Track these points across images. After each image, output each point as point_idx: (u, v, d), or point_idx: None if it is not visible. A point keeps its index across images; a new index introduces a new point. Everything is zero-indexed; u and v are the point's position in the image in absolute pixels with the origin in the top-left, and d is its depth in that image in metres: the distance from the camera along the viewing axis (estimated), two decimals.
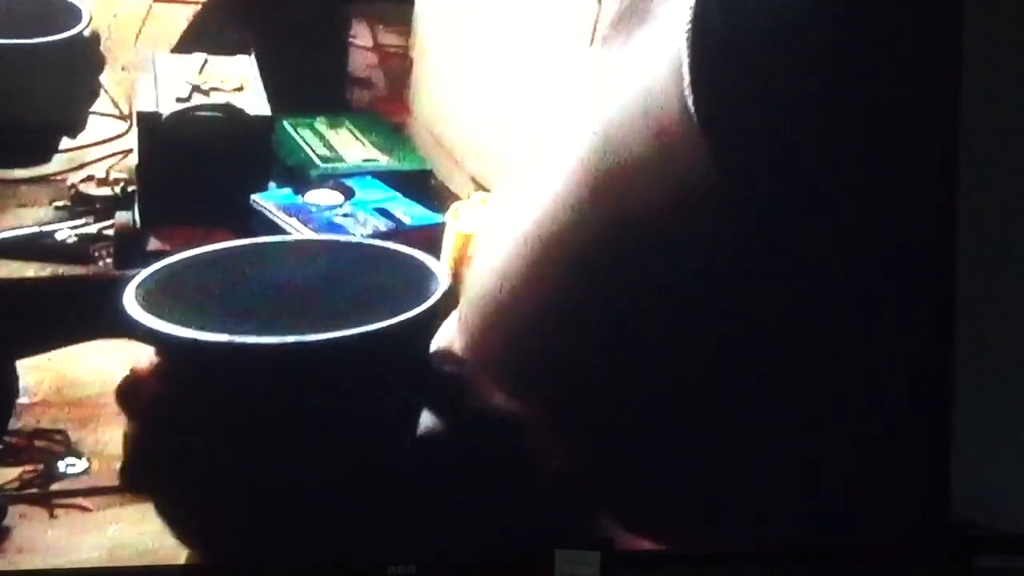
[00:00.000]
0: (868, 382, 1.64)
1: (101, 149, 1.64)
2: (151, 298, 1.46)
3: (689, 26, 1.35)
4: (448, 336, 1.56)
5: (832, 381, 1.62)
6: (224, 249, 1.54)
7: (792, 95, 1.49)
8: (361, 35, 1.70)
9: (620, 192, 1.45)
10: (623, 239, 1.48)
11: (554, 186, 1.51)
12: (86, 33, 1.57)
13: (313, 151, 1.69)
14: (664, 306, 1.55)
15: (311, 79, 1.69)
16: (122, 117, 1.64)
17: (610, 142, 1.45)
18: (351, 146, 1.70)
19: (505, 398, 1.56)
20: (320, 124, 1.71)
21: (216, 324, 1.38)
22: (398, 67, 1.71)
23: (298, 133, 1.70)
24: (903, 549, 1.72)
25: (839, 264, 1.61)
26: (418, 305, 1.45)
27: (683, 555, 1.65)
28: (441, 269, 1.47)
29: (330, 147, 1.70)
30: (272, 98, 1.63)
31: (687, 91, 1.35)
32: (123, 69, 1.61)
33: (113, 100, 1.62)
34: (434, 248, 1.73)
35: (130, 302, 1.45)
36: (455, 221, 1.72)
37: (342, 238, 1.52)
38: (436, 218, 1.71)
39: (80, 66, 1.60)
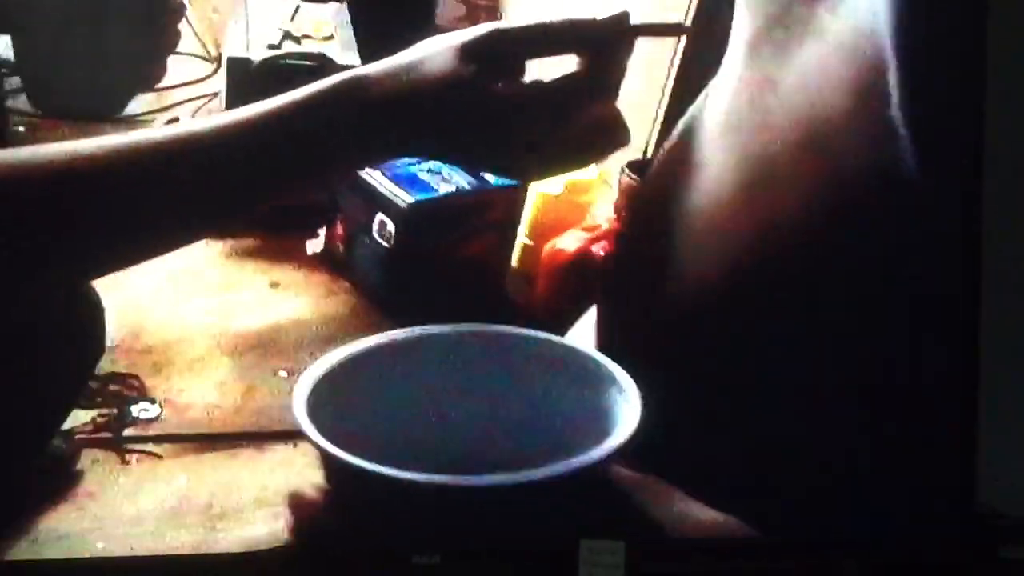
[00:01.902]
0: (895, 372, 1.63)
1: (187, 91, 1.61)
2: (317, 399, 1.37)
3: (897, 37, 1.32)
4: None
5: (859, 371, 1.61)
6: (385, 344, 1.48)
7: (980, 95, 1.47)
8: None
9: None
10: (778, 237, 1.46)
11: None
12: None
13: None
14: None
15: (400, 29, 1.66)
16: (210, 59, 1.61)
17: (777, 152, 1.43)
18: None
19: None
20: None
21: (379, 429, 1.30)
22: (486, 19, 1.68)
23: None
24: (928, 538, 1.71)
25: (874, 257, 1.59)
26: (600, 417, 1.37)
27: (708, 545, 1.64)
28: (624, 376, 1.36)
29: None
30: (361, 47, 1.60)
31: (897, 105, 1.32)
32: (214, 11, 1.58)
33: (201, 41, 1.59)
34: (516, 211, 1.71)
35: (299, 406, 1.37)
36: (540, 182, 1.70)
37: (508, 330, 1.45)
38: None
39: (157, 12, 1.57)
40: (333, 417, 1.26)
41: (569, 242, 1.72)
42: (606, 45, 1.15)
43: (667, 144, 1.59)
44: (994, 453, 1.72)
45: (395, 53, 1.65)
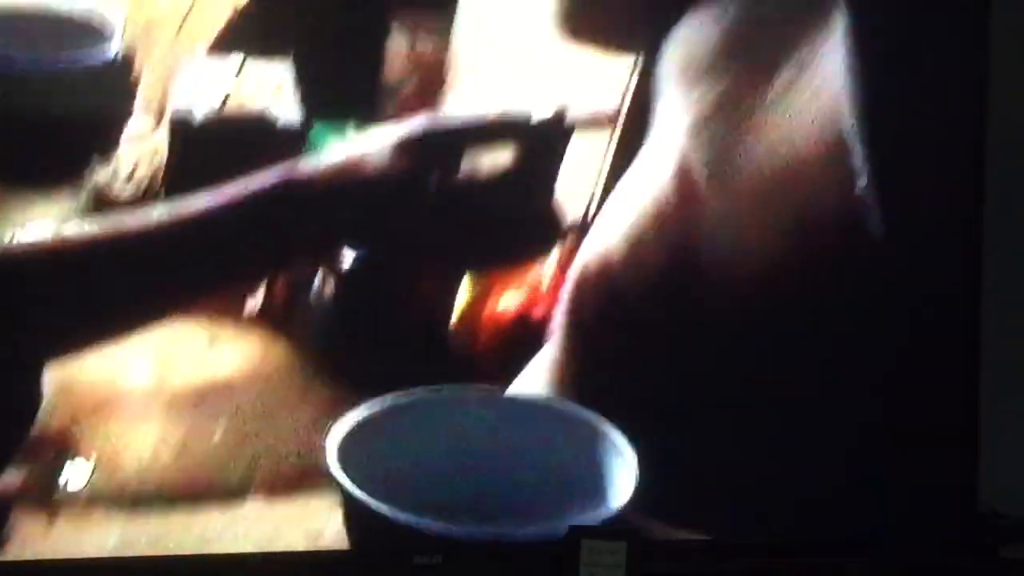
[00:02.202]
0: (897, 374, 1.65)
1: (128, 146, 1.59)
2: (347, 450, 1.40)
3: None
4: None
5: (862, 373, 1.62)
6: (409, 402, 1.49)
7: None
8: (398, 41, 1.66)
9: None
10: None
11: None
12: (120, 55, 1.51)
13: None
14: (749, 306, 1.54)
15: (346, 83, 1.65)
16: (152, 113, 1.59)
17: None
18: None
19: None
20: (351, 129, 1.67)
21: (400, 479, 1.34)
22: (433, 74, 1.67)
23: (328, 137, 1.66)
24: (930, 538, 1.72)
25: (874, 261, 1.60)
26: (599, 474, 1.42)
27: (708, 545, 1.64)
28: (623, 444, 1.43)
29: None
30: (306, 101, 1.59)
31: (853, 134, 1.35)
32: (159, 65, 1.57)
33: (145, 96, 1.58)
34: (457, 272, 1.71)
35: (332, 458, 1.39)
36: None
37: (520, 396, 1.49)
38: None
39: (114, 87, 1.56)
40: (359, 467, 1.30)
41: (511, 300, 1.72)
42: (543, 139, 1.16)
43: (607, 207, 1.60)
44: (994, 455, 1.74)
45: (342, 111, 1.65)
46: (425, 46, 1.65)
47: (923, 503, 1.71)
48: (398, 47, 1.65)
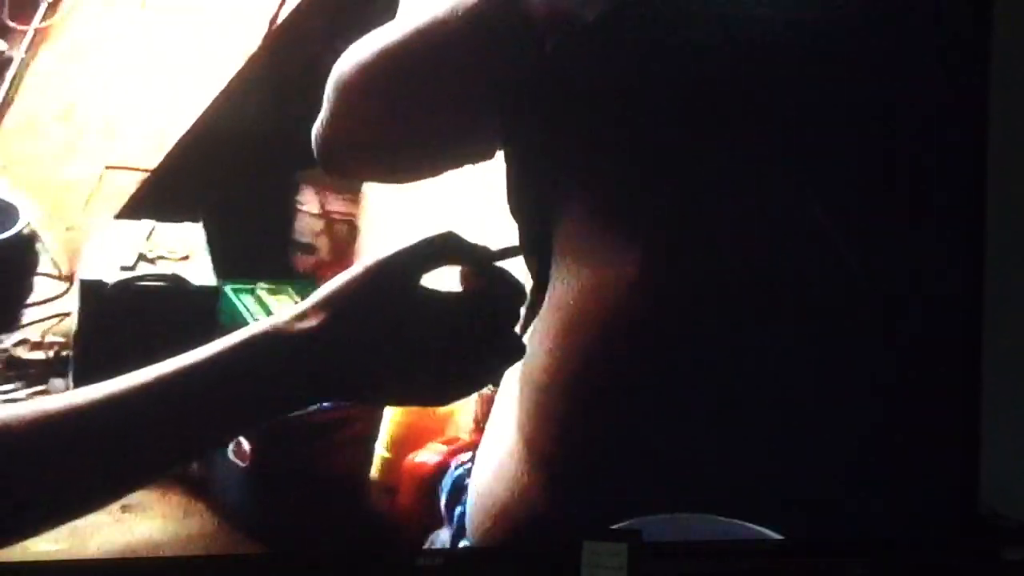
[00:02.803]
0: (897, 375, 1.64)
1: (37, 311, 1.58)
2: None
3: None
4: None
5: (862, 375, 1.62)
6: None
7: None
8: (309, 201, 1.68)
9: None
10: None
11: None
12: (25, 232, 1.52)
13: (253, 318, 1.66)
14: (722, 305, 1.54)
15: (256, 245, 1.66)
16: (61, 278, 1.59)
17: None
18: None
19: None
20: (261, 290, 1.68)
21: None
22: (344, 234, 1.68)
23: (239, 299, 1.66)
24: (931, 540, 1.71)
25: (871, 259, 1.61)
26: None
27: (710, 547, 1.62)
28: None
29: (270, 314, 1.67)
30: (217, 263, 1.60)
31: None
32: (68, 230, 1.57)
33: (53, 261, 1.57)
34: (374, 425, 1.71)
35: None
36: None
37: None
38: None
39: (18, 265, 1.56)
40: None
41: (429, 456, 1.72)
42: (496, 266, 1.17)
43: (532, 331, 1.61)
44: (996, 456, 1.72)
45: (251, 268, 1.66)
46: (335, 205, 1.67)
47: (925, 505, 1.70)
48: (309, 207, 1.67)
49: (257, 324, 1.12)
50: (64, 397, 1.11)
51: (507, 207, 1.56)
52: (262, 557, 1.60)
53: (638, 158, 1.50)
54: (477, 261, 1.17)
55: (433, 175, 1.50)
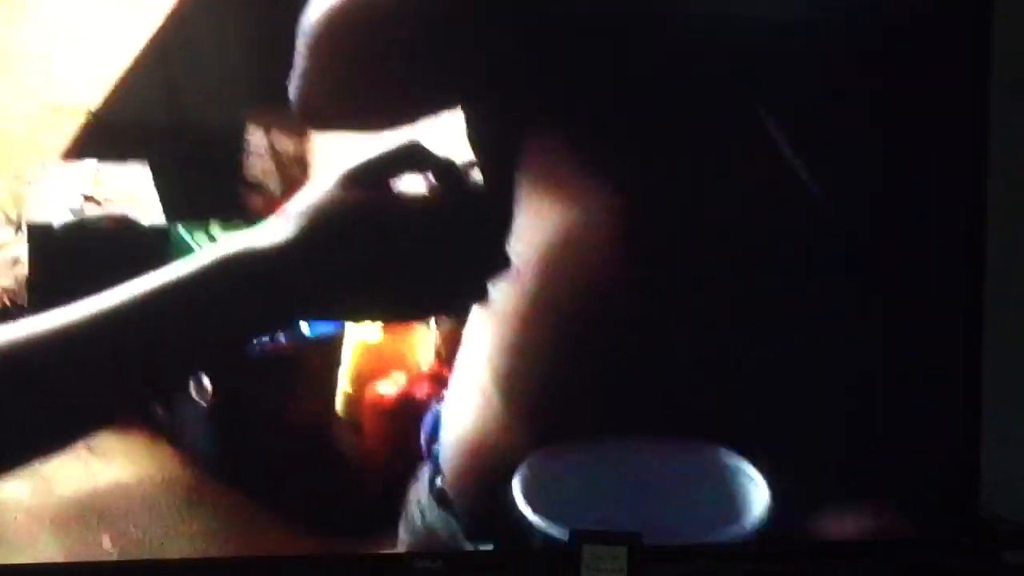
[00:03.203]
0: (896, 376, 1.65)
1: None
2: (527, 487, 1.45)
3: None
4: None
5: (860, 375, 1.62)
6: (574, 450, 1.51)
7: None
8: (257, 140, 1.68)
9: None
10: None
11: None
12: None
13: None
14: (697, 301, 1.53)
15: (206, 184, 1.66)
16: (11, 223, 1.59)
17: None
18: None
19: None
20: (215, 229, 1.68)
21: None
22: (295, 172, 1.68)
23: (193, 238, 1.66)
24: (932, 542, 1.71)
25: (867, 256, 1.61)
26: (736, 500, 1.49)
27: (710, 549, 1.62)
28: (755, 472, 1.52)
29: None
30: (167, 204, 1.60)
31: None
32: (15, 177, 1.57)
33: (2, 208, 1.57)
34: (334, 361, 1.71)
35: (519, 496, 1.42)
36: (355, 329, 1.70)
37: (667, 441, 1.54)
38: (336, 327, 1.69)
39: None
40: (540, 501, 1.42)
41: (389, 387, 1.72)
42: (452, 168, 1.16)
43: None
44: (997, 458, 1.73)
45: (201, 207, 1.66)
46: (284, 143, 1.67)
47: (924, 507, 1.71)
48: (257, 145, 1.67)
49: (226, 244, 1.10)
50: (23, 325, 1.08)
51: (466, 140, 1.55)
52: (266, 562, 1.61)
53: (607, 95, 1.50)
54: (442, 170, 1.16)
55: (413, 122, 1.50)
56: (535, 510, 1.43)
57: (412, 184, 1.14)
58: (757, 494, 1.54)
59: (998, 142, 1.72)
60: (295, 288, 1.09)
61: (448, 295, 1.15)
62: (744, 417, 1.57)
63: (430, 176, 1.16)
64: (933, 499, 1.67)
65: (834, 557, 1.68)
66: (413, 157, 1.16)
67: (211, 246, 1.67)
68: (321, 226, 1.10)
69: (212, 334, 1.08)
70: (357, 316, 1.22)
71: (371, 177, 1.14)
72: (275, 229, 1.09)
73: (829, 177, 1.53)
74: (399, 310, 1.16)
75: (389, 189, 1.14)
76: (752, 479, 1.55)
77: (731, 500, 1.56)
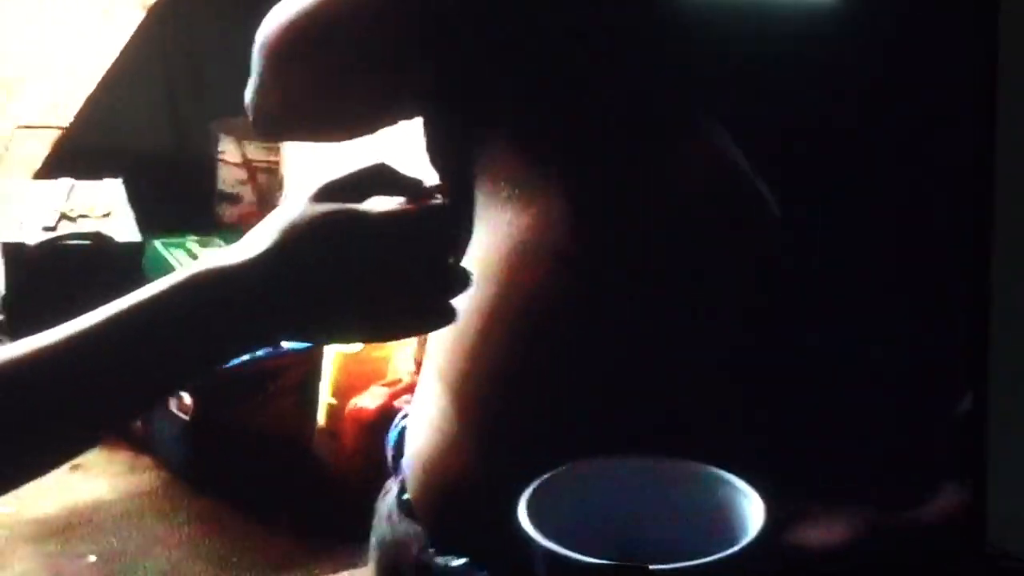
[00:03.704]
0: (901, 408, 1.63)
1: None
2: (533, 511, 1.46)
3: None
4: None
5: (863, 407, 1.61)
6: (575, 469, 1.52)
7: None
8: (229, 151, 1.69)
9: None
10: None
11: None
12: None
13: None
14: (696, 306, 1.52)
15: (181, 198, 1.67)
16: None
17: None
18: None
19: None
20: (191, 243, 1.69)
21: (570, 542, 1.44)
22: (268, 182, 1.70)
23: (170, 253, 1.67)
24: None
25: (867, 269, 1.59)
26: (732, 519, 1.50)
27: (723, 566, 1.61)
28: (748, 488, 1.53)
29: None
30: (142, 220, 1.61)
31: None
32: None
33: None
34: (314, 372, 1.72)
35: (523, 517, 1.42)
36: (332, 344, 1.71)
37: (662, 459, 1.56)
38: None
39: None
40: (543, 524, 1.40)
41: (370, 399, 1.73)
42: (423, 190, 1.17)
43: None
44: (1004, 493, 1.71)
45: (177, 222, 1.67)
46: (256, 153, 1.68)
47: (928, 543, 1.70)
48: (229, 156, 1.68)
49: (197, 264, 1.10)
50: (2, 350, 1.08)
51: (425, 152, 1.56)
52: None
53: (562, 100, 1.50)
54: (410, 192, 1.17)
55: (370, 133, 1.50)
56: (545, 535, 1.43)
57: (380, 203, 1.15)
58: (752, 512, 1.52)
59: (1006, 142, 1.72)
60: (268, 307, 1.09)
61: (416, 315, 1.16)
62: (724, 435, 1.57)
63: (398, 197, 1.17)
64: (937, 535, 1.67)
65: None
66: (382, 176, 1.17)
67: (188, 260, 1.70)
68: (291, 245, 1.10)
69: (188, 354, 1.09)
70: (328, 337, 1.23)
71: (341, 196, 1.15)
72: (246, 247, 1.10)
73: (824, 182, 1.53)
74: (369, 331, 1.17)
75: (358, 208, 1.15)
76: (747, 496, 1.53)
77: (723, 520, 1.55)
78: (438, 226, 1.15)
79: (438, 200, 1.18)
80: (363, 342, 1.52)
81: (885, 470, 1.60)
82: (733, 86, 1.48)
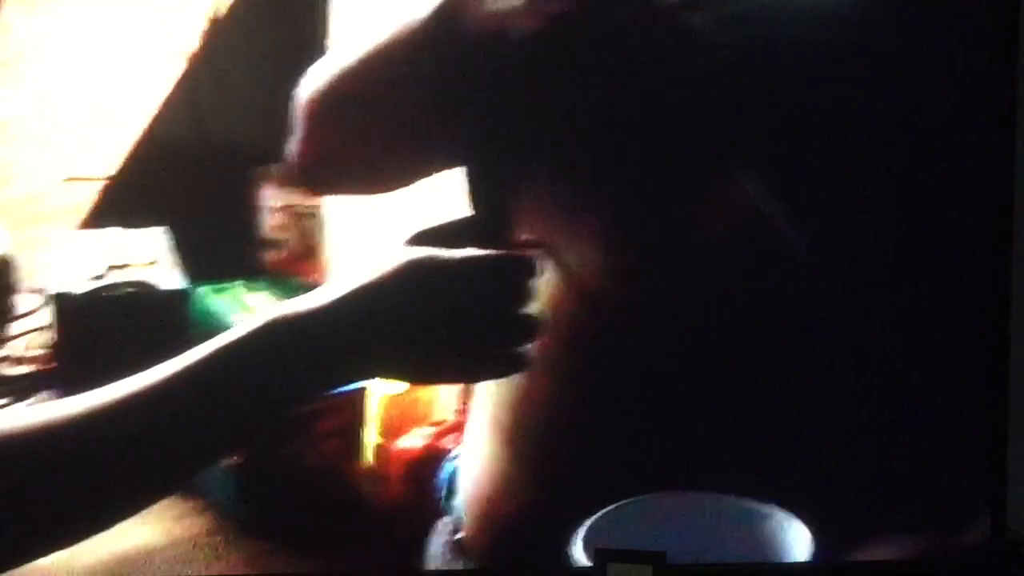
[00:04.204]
0: (922, 395, 1.63)
1: (16, 326, 1.62)
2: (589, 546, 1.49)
3: None
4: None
5: (884, 395, 1.61)
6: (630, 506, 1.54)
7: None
8: (271, 196, 1.71)
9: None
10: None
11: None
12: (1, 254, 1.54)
13: (230, 317, 1.69)
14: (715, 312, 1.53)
15: (226, 245, 1.69)
16: (36, 291, 1.63)
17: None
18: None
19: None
20: (238, 289, 1.71)
21: None
22: (310, 226, 1.71)
23: (217, 299, 1.69)
24: (957, 565, 1.70)
25: (887, 280, 1.60)
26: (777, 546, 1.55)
27: (735, 569, 1.61)
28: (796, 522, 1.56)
29: (249, 312, 1.70)
30: (188, 267, 1.63)
31: None
32: (30, 245, 1.61)
33: (26, 275, 1.61)
34: (359, 413, 1.73)
35: (579, 551, 1.46)
36: (380, 383, 1.72)
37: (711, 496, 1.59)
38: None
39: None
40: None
41: (416, 439, 1.74)
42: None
43: None
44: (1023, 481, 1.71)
45: (221, 270, 1.69)
46: (297, 198, 1.70)
47: (948, 530, 1.70)
48: (271, 201, 1.70)
49: (274, 311, 1.11)
50: (67, 404, 1.07)
51: (467, 200, 1.57)
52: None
53: (589, 156, 1.52)
54: (500, 244, 1.19)
55: (406, 185, 1.54)
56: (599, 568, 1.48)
57: (461, 251, 1.18)
58: (798, 539, 1.55)
59: None
60: (348, 347, 1.11)
61: (484, 361, 1.18)
62: (756, 453, 1.57)
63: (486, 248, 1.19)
64: (957, 522, 1.67)
65: None
66: (475, 227, 1.20)
67: (235, 305, 1.72)
68: (370, 285, 1.12)
69: (271, 396, 1.10)
70: (399, 376, 1.24)
71: (431, 244, 1.17)
72: (326, 291, 1.12)
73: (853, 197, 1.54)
74: (438, 372, 1.20)
75: (438, 253, 1.17)
76: (792, 527, 1.56)
77: (774, 549, 1.57)
78: (512, 275, 1.17)
79: (526, 256, 1.21)
80: (431, 383, 1.55)
81: (910, 464, 1.60)
82: (762, 126, 1.49)
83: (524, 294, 1.21)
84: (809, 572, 1.61)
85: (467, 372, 1.24)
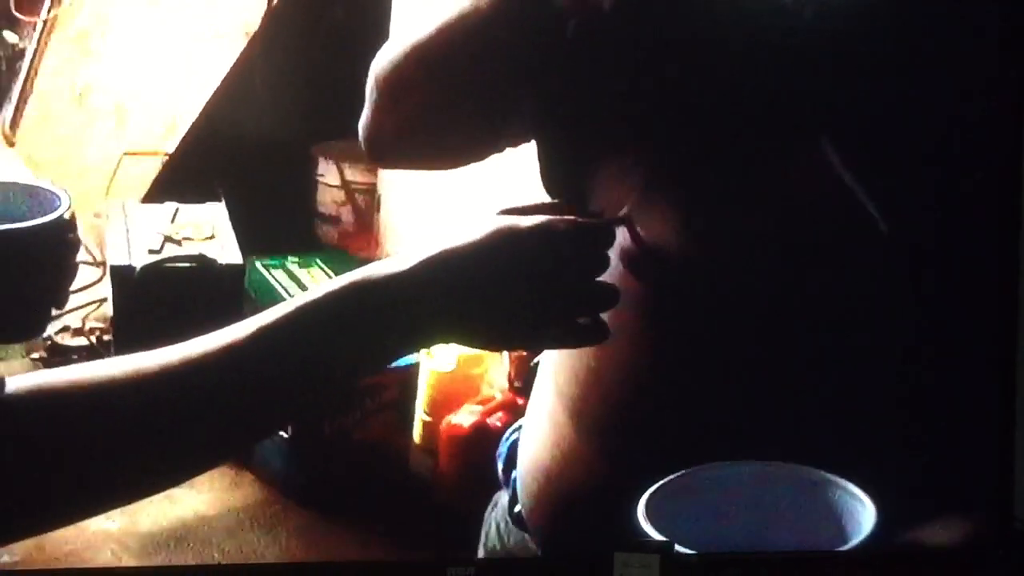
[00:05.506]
0: (929, 387, 1.63)
1: (76, 298, 1.64)
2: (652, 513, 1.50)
3: None
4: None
5: (893, 386, 1.61)
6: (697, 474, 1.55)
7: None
8: (328, 173, 1.72)
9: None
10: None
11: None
12: (67, 215, 1.54)
13: (286, 291, 1.71)
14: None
15: (281, 220, 1.71)
16: (95, 263, 1.65)
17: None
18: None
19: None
20: (292, 264, 1.73)
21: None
22: (366, 203, 1.73)
23: (271, 274, 1.71)
24: (965, 556, 1.70)
25: (900, 272, 1.59)
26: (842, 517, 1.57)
27: (742, 559, 1.62)
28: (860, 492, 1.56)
29: (302, 286, 1.72)
30: (243, 241, 1.64)
31: None
32: (95, 216, 1.62)
33: (86, 247, 1.63)
34: (410, 390, 1.75)
35: (643, 518, 1.47)
36: (430, 360, 1.74)
37: (782, 465, 1.58)
38: (409, 358, 1.72)
39: (63, 245, 1.60)
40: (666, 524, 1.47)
41: (465, 417, 1.76)
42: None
43: None
44: None
45: (277, 243, 1.70)
46: (354, 175, 1.72)
47: (956, 518, 1.70)
48: (328, 178, 1.71)
49: (342, 277, 1.12)
50: (149, 357, 1.07)
51: (540, 183, 1.58)
52: (293, 568, 1.63)
53: (662, 140, 1.52)
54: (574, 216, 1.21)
55: (478, 159, 1.54)
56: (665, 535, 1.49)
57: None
58: (864, 513, 1.55)
59: None
60: (429, 309, 1.12)
61: (567, 327, 1.20)
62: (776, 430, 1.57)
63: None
64: (965, 510, 1.67)
65: (869, 569, 1.67)
66: (559, 210, 1.21)
67: (288, 280, 1.74)
68: (451, 251, 1.14)
69: (349, 357, 1.10)
70: (477, 341, 1.25)
71: (510, 225, 1.18)
72: (407, 256, 1.13)
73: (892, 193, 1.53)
74: (517, 337, 1.21)
75: (517, 221, 1.18)
76: (858, 499, 1.57)
77: (838, 520, 1.58)
78: (590, 244, 1.19)
79: (596, 222, 1.22)
80: (506, 349, 1.56)
81: (915, 452, 1.60)
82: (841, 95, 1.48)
83: (601, 264, 1.23)
84: (812, 560, 1.62)
85: (546, 338, 1.26)
